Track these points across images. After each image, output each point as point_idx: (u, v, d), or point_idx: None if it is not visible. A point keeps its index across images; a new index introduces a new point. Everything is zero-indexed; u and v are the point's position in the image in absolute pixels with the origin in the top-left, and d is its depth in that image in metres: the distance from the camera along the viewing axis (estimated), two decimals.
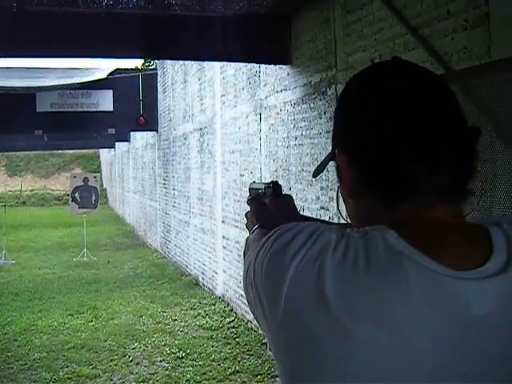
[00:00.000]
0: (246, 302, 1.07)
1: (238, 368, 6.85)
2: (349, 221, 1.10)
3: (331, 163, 1.12)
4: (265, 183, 1.65)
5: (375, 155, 0.96)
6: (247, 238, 1.37)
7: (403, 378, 0.86)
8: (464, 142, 0.96)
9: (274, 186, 1.60)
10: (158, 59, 14.47)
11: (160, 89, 15.23)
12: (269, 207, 1.55)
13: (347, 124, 1.03)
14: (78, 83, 13.15)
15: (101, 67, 14.58)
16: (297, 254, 0.91)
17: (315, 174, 1.26)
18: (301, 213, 1.67)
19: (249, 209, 1.60)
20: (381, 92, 0.98)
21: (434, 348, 0.86)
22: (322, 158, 1.13)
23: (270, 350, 6.56)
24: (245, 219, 1.60)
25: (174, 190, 13.96)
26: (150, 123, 14.97)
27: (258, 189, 1.67)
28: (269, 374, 6.59)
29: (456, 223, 0.96)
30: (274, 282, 0.93)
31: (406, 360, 0.86)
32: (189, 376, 6.67)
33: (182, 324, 8.76)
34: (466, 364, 0.87)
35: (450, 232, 0.94)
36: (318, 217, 5.95)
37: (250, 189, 1.74)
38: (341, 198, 1.09)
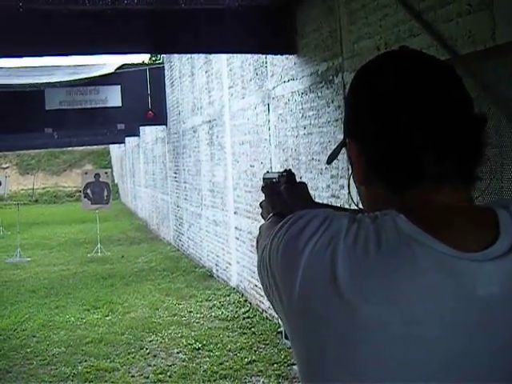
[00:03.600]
0: (260, 291, 1.10)
1: (254, 357, 6.90)
2: (360, 206, 1.13)
3: (343, 150, 1.15)
4: (279, 172, 1.68)
5: (385, 144, 0.98)
6: (261, 226, 1.40)
7: (413, 361, 0.89)
8: (472, 129, 0.98)
9: (288, 174, 1.64)
10: (165, 54, 14.49)
11: (168, 82, 15.26)
12: (283, 195, 1.59)
13: (357, 114, 1.05)
14: (85, 78, 13.19)
15: (108, 63, 14.62)
16: (310, 239, 0.95)
17: (329, 161, 1.29)
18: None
19: (263, 198, 1.64)
20: (390, 82, 0.99)
21: (443, 329, 0.89)
22: (332, 147, 1.19)
23: (285, 338, 6.61)
24: (258, 209, 1.63)
25: (185, 183, 14.01)
26: (158, 117, 14.99)
27: (272, 178, 1.70)
28: (285, 362, 6.64)
29: (463, 206, 0.98)
30: (288, 268, 0.96)
31: (416, 341, 0.89)
32: (206, 367, 6.73)
33: (198, 315, 8.83)
34: (476, 344, 0.90)
35: (458, 215, 0.96)
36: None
37: (264, 178, 1.77)
38: (353, 184, 1.12)
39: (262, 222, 1.50)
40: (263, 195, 1.68)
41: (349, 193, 1.18)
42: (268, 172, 1.81)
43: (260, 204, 1.65)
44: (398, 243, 0.91)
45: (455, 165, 0.97)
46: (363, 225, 0.94)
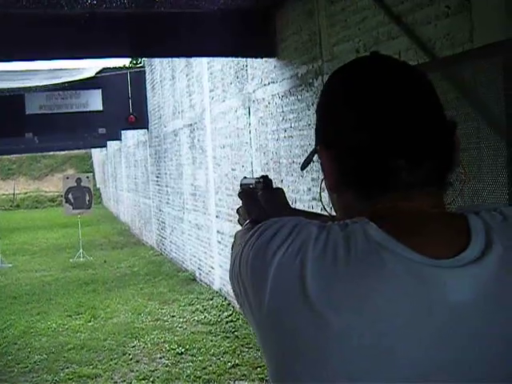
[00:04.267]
0: None
1: (237, 361, 6.88)
2: (333, 212, 1.12)
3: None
4: (255, 178, 1.66)
5: (356, 152, 0.96)
6: (236, 233, 1.38)
7: (384, 373, 0.87)
8: (444, 136, 0.97)
9: (265, 180, 1.61)
10: (145, 57, 14.45)
11: (149, 86, 15.21)
12: (260, 201, 1.57)
13: (328, 121, 1.04)
14: (66, 82, 13.10)
15: (88, 66, 14.55)
16: (279, 249, 0.93)
17: (303, 167, 1.27)
18: (293, 205, 1.69)
19: (240, 204, 1.63)
20: (361, 89, 0.98)
21: (413, 337, 0.87)
22: (312, 149, 1.14)
23: None
24: (237, 215, 1.62)
25: (167, 186, 13.97)
26: (140, 121, 14.93)
27: (249, 184, 1.68)
28: None
29: (435, 213, 0.97)
30: (257, 279, 0.95)
31: (386, 352, 0.87)
32: (189, 371, 6.70)
33: (181, 320, 8.79)
34: (447, 354, 0.88)
35: (429, 221, 0.95)
36: (310, 208, 5.98)
37: (241, 184, 1.75)
38: (325, 192, 1.10)
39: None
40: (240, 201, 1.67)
41: (320, 200, 1.17)
42: (245, 178, 1.80)
43: (237, 210, 1.63)
44: (367, 251, 0.89)
45: (427, 171, 0.96)
46: (332, 232, 0.92)
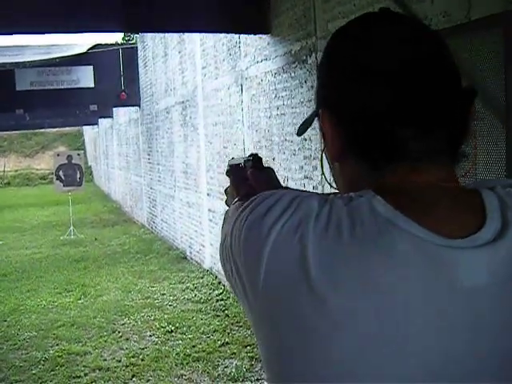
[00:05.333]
0: None
1: (227, 340, 6.87)
2: (334, 185, 1.04)
3: (315, 126, 1.06)
4: (245, 157, 1.57)
5: (364, 117, 0.89)
6: (226, 211, 1.30)
7: (389, 360, 0.80)
8: (458, 103, 0.89)
9: (255, 159, 1.50)
10: (137, 33, 14.32)
11: (141, 63, 15.09)
12: (249, 180, 1.46)
13: (333, 84, 0.95)
14: (57, 58, 12.98)
15: (80, 42, 14.43)
16: (275, 224, 0.85)
17: (300, 132, 1.13)
18: (284, 183, 1.63)
19: (228, 184, 1.55)
20: (371, 49, 0.90)
21: (423, 326, 0.81)
22: (311, 113, 1.05)
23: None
24: (225, 195, 1.55)
25: (158, 164, 13.90)
26: (132, 98, 14.84)
27: (238, 163, 1.58)
28: None
29: (447, 187, 0.89)
30: (252, 255, 0.87)
31: (393, 334, 0.80)
32: (178, 349, 6.68)
33: (171, 298, 8.77)
34: (459, 342, 0.82)
35: (441, 197, 0.88)
36: (302, 186, 5.94)
37: (229, 164, 1.66)
38: (325, 163, 1.03)
39: None
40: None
41: (322, 171, 1.06)
42: (233, 158, 1.70)
43: (225, 190, 1.55)
44: (374, 228, 0.82)
45: (438, 140, 0.89)
46: (335, 207, 0.85)
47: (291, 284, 0.82)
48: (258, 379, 5.84)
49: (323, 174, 1.05)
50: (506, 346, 0.83)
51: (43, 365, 6.49)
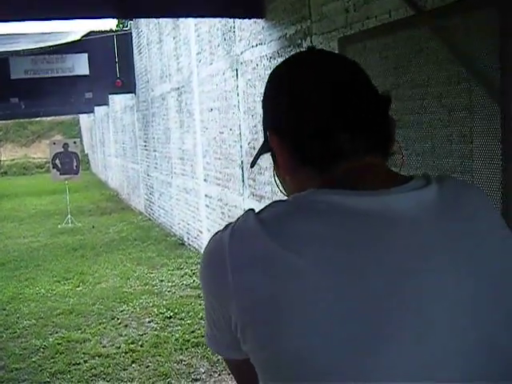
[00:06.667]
0: None
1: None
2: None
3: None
4: None
5: (303, 129, 1.03)
6: None
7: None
8: (378, 110, 1.05)
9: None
10: (130, 18, 14.22)
11: (136, 50, 15.02)
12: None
13: (274, 107, 1.10)
14: (51, 46, 12.92)
15: (74, 30, 14.35)
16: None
17: (252, 165, 1.33)
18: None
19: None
20: (302, 76, 1.07)
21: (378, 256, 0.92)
22: (260, 146, 1.19)
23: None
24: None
25: (154, 151, 13.87)
26: (127, 85, 14.78)
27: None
28: None
29: (382, 167, 1.06)
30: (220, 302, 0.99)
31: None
32: (177, 335, 6.70)
33: (169, 284, 8.79)
34: (413, 265, 0.93)
35: (376, 173, 1.04)
36: None
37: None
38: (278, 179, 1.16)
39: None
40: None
41: (278, 187, 1.19)
42: None
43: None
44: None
45: (369, 141, 1.04)
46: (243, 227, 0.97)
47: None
48: None
49: (280, 189, 1.18)
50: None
51: (43, 352, 6.51)
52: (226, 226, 0.99)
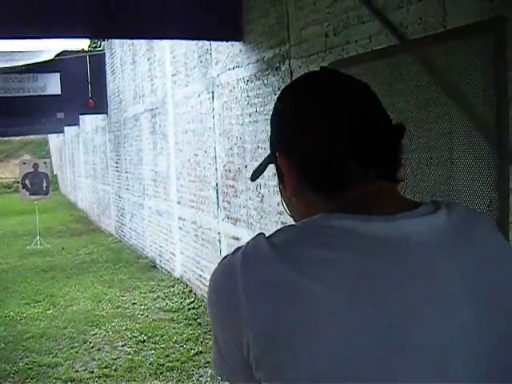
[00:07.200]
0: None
1: (201, 349, 6.81)
2: (293, 217, 1.15)
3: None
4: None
5: (314, 156, 1.03)
6: None
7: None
8: (390, 139, 1.05)
9: None
10: (106, 38, 14.17)
11: (109, 70, 14.96)
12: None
13: (287, 131, 1.08)
14: (24, 65, 12.81)
15: (47, 49, 14.25)
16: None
17: (253, 178, 1.30)
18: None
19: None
20: (316, 101, 1.05)
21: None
22: (264, 159, 1.20)
23: None
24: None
25: (126, 172, 13.78)
26: (99, 106, 14.70)
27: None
28: None
29: (392, 190, 1.06)
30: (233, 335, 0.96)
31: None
32: (152, 359, 6.61)
33: (142, 307, 8.68)
34: (416, 289, 0.93)
35: (384, 194, 1.04)
36: (275, 193, 5.91)
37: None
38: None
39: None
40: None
41: (283, 205, 1.18)
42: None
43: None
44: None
45: (379, 169, 1.03)
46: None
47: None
48: None
49: (285, 209, 1.17)
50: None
51: (13, 378, 6.37)
52: (235, 251, 0.98)
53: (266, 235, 0.97)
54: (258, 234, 0.98)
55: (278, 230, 0.98)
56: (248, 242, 0.97)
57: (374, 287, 0.90)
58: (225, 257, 1.00)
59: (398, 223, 0.96)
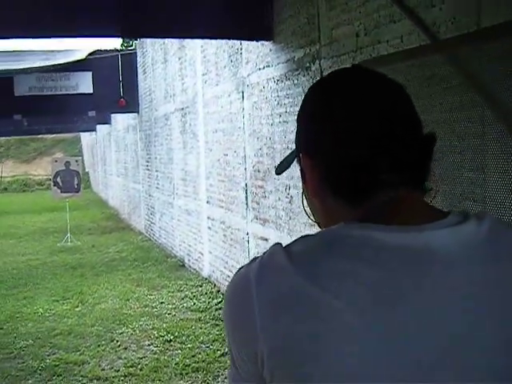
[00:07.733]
0: None
1: (227, 350, 6.75)
2: (312, 217, 1.13)
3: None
4: None
5: (338, 160, 0.98)
6: None
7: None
8: (421, 144, 1.00)
9: None
10: (137, 38, 14.24)
11: (140, 69, 15.02)
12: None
13: (312, 131, 1.05)
14: (57, 64, 12.91)
15: (80, 48, 14.35)
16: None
17: (278, 171, 1.28)
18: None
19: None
20: (344, 100, 1.01)
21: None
22: (289, 154, 1.18)
23: None
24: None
25: (157, 171, 13.82)
26: (130, 105, 14.75)
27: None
28: None
29: (418, 199, 1.01)
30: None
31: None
32: (178, 359, 6.60)
33: (170, 306, 8.68)
34: (439, 311, 0.88)
35: (410, 204, 0.98)
36: None
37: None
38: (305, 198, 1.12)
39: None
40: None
41: (303, 206, 1.15)
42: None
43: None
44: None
45: (406, 177, 0.99)
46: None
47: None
48: None
49: (304, 209, 1.14)
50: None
51: (40, 374, 6.40)
52: (252, 261, 0.95)
53: (283, 245, 0.94)
54: (275, 244, 0.95)
55: (296, 240, 0.95)
56: (264, 253, 0.95)
57: (393, 303, 0.87)
58: (241, 267, 0.98)
59: (422, 234, 0.91)
